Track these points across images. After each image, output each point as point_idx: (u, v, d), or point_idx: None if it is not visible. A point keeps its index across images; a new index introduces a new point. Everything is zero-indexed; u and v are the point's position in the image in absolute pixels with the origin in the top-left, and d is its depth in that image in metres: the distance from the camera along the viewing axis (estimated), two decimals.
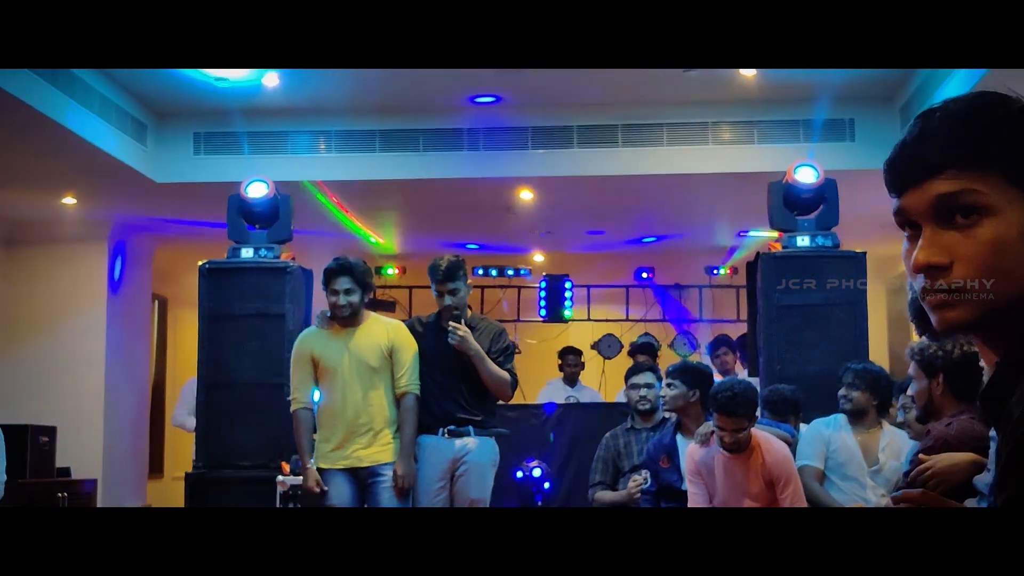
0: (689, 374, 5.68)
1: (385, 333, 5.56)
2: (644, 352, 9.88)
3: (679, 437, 5.68)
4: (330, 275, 5.53)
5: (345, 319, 5.54)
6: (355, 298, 5.52)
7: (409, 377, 5.52)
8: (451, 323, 5.52)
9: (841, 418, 5.52)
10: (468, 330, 5.56)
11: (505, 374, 5.63)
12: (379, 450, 5.46)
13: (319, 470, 5.47)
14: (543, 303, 11.43)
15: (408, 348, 5.56)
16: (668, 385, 5.67)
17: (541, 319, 11.61)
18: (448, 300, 5.60)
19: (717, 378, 7.01)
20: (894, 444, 5.41)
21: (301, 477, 5.61)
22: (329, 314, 5.65)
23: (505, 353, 5.71)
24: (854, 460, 5.43)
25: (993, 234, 1.23)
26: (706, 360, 8.93)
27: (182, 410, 8.63)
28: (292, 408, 5.59)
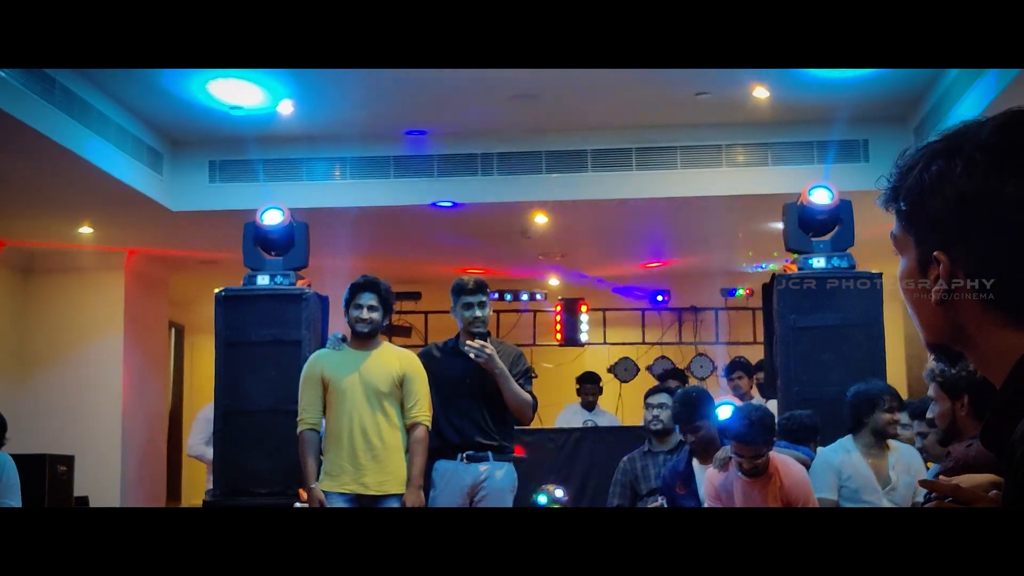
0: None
1: (398, 361, 5.54)
2: (675, 378, 9.66)
3: (695, 463, 5.66)
4: (356, 289, 5.53)
5: (362, 336, 5.52)
6: (377, 315, 5.51)
7: (420, 408, 5.47)
8: (478, 341, 5.48)
9: (847, 441, 5.46)
10: (493, 348, 5.53)
11: (527, 395, 5.60)
12: (386, 478, 5.39)
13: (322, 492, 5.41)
14: (559, 327, 11.42)
15: (420, 378, 5.52)
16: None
17: (557, 343, 11.60)
18: (478, 312, 5.57)
19: (734, 401, 7.00)
20: (902, 461, 5.37)
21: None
22: (341, 336, 5.64)
23: (525, 376, 5.68)
24: (869, 484, 5.37)
25: (899, 272, 1.34)
26: (723, 383, 8.89)
27: (198, 439, 8.50)
28: (299, 429, 5.53)
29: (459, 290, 5.63)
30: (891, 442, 5.46)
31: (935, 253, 1.26)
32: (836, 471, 5.37)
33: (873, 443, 5.40)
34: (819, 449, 5.61)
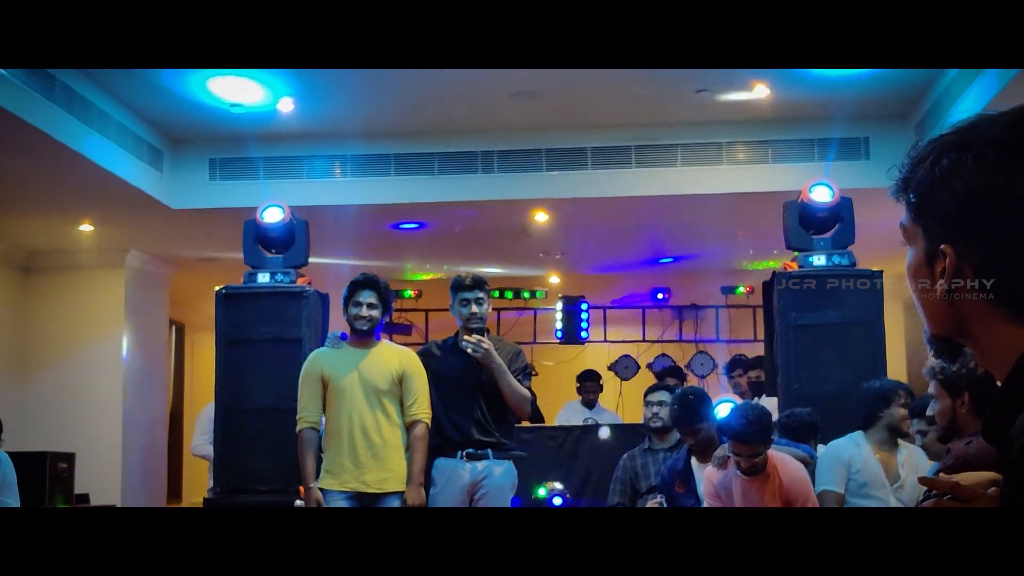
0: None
1: (397, 359, 5.54)
2: (673, 375, 9.68)
3: (693, 461, 5.66)
4: (356, 287, 5.53)
5: (362, 334, 5.53)
6: (376, 313, 5.52)
7: (419, 405, 5.47)
8: (475, 336, 5.48)
9: (858, 436, 5.46)
10: (490, 343, 5.53)
11: (525, 391, 5.60)
12: (386, 476, 5.39)
13: (322, 490, 5.40)
14: (559, 325, 11.42)
15: (420, 376, 5.52)
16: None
17: (557, 341, 11.60)
18: (475, 308, 5.57)
19: (735, 399, 7.00)
20: (912, 458, 5.37)
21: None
22: (340, 334, 5.65)
23: (524, 373, 5.68)
24: (878, 480, 5.36)
25: (907, 263, 1.35)
26: (723, 380, 8.90)
27: (203, 439, 8.51)
28: (298, 428, 5.52)
29: (457, 287, 5.63)
30: (901, 440, 5.46)
31: (942, 246, 1.27)
32: (845, 465, 5.36)
33: (886, 439, 5.39)
34: (830, 443, 5.60)
